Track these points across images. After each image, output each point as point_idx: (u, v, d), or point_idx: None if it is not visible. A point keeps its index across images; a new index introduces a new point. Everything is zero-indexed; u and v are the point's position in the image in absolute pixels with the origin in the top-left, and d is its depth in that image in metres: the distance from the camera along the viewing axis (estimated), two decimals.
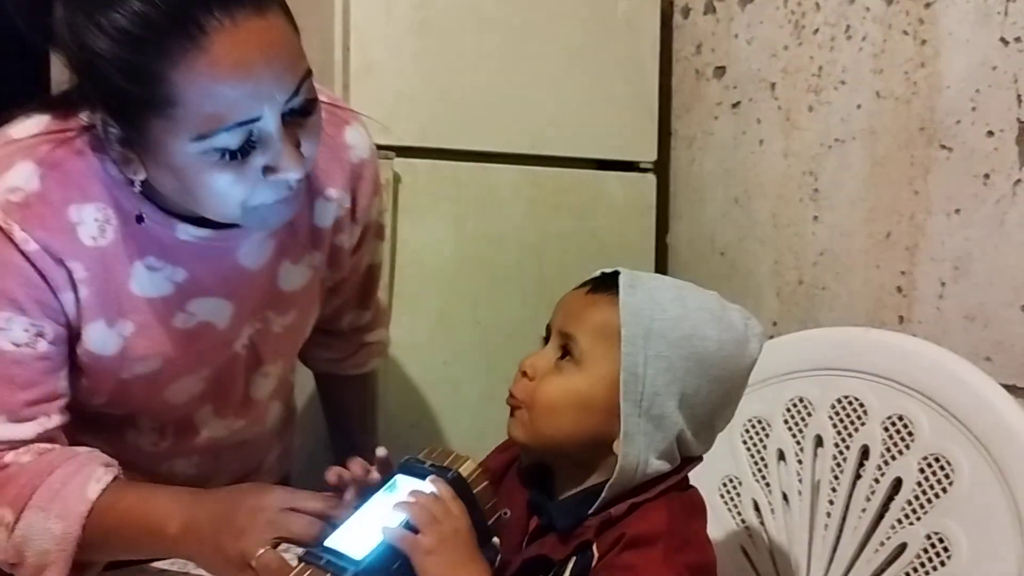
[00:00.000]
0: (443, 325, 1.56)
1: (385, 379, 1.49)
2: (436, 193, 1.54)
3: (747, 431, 1.22)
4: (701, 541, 0.81)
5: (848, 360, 1.15)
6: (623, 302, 0.80)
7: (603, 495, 0.79)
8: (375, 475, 0.82)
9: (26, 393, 0.88)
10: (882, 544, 1.06)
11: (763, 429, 1.21)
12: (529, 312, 1.62)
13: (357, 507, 0.79)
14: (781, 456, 1.18)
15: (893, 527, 1.06)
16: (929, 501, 1.04)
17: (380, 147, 1.45)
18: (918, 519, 1.05)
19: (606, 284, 0.83)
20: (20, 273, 0.86)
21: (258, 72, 0.78)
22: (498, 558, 0.82)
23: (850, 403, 1.14)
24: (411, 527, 0.74)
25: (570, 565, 0.79)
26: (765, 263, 1.69)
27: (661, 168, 1.83)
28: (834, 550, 1.10)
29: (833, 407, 1.15)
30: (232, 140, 0.79)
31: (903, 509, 1.06)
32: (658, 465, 0.79)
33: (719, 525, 1.19)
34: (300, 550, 0.78)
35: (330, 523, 0.79)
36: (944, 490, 1.03)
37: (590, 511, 0.79)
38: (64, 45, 0.80)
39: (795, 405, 1.19)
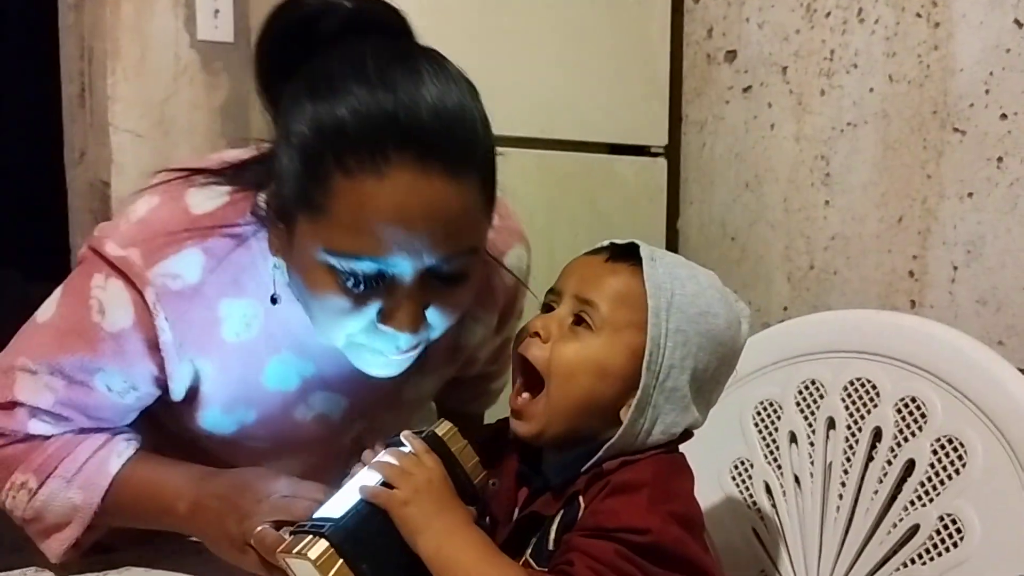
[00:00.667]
0: None
1: None
2: None
3: (758, 414, 1.22)
4: (687, 495, 0.81)
5: (860, 342, 1.15)
6: (647, 274, 0.80)
7: (599, 454, 0.79)
8: None
9: (89, 422, 0.89)
10: (894, 526, 1.06)
11: (774, 412, 1.20)
12: (539, 296, 1.62)
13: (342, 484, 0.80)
14: (793, 439, 1.18)
15: (906, 509, 1.06)
16: (942, 483, 1.04)
17: None
18: (931, 501, 1.04)
19: (623, 254, 0.83)
20: (144, 351, 0.86)
21: (415, 227, 0.74)
22: (486, 521, 0.82)
23: (862, 385, 1.13)
24: (387, 485, 0.75)
25: (558, 518, 0.79)
26: (776, 248, 1.69)
27: (672, 152, 1.83)
28: (846, 532, 1.10)
29: (845, 389, 1.15)
30: (361, 270, 0.76)
31: (916, 491, 1.06)
32: (659, 437, 0.80)
33: (730, 508, 1.19)
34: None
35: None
36: (957, 472, 1.03)
37: (583, 468, 0.79)
38: (279, 115, 0.79)
39: (807, 387, 1.18)
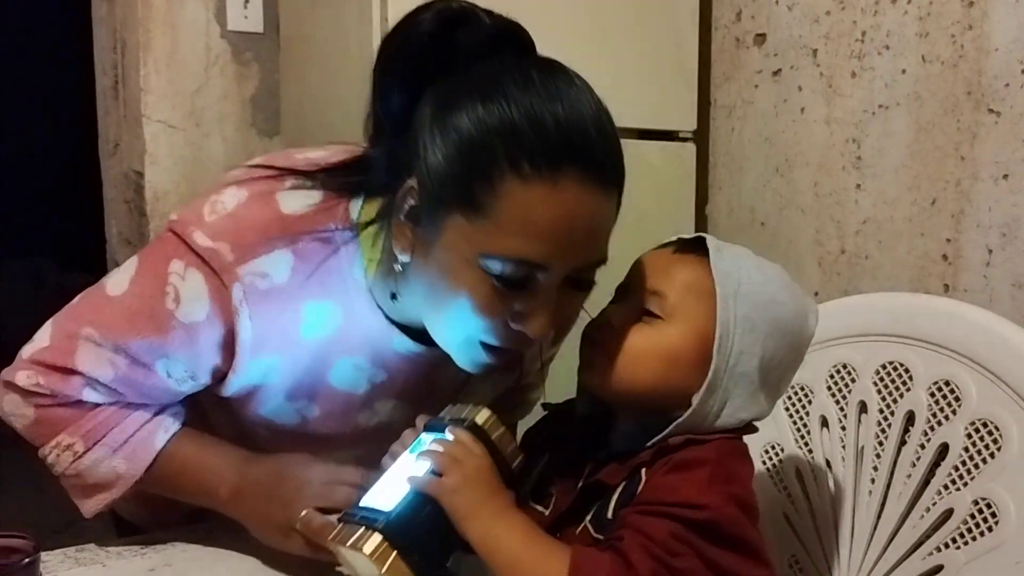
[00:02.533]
0: None
1: None
2: None
3: (789, 398, 1.21)
4: (746, 480, 0.82)
5: (893, 326, 1.14)
6: (714, 263, 0.83)
7: (667, 430, 0.81)
8: None
9: (139, 399, 0.92)
10: (928, 510, 1.05)
11: (806, 396, 1.20)
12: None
13: (386, 471, 0.82)
14: (824, 423, 1.17)
15: (939, 493, 1.05)
16: (976, 467, 1.03)
17: None
18: (965, 485, 1.03)
19: (690, 246, 0.86)
20: (214, 346, 0.87)
21: (575, 230, 0.77)
22: (529, 504, 0.84)
23: (895, 369, 1.12)
24: (436, 473, 0.77)
25: (619, 489, 0.81)
26: (806, 233, 1.68)
27: (701, 137, 1.82)
28: (878, 517, 1.10)
29: (877, 372, 1.14)
30: (513, 273, 0.77)
31: (950, 475, 1.05)
32: (727, 421, 0.82)
33: (761, 492, 1.17)
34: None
35: (363, 489, 0.82)
36: (992, 455, 1.02)
37: (649, 443, 0.81)
38: (417, 115, 0.80)
39: (838, 371, 1.18)
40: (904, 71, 1.49)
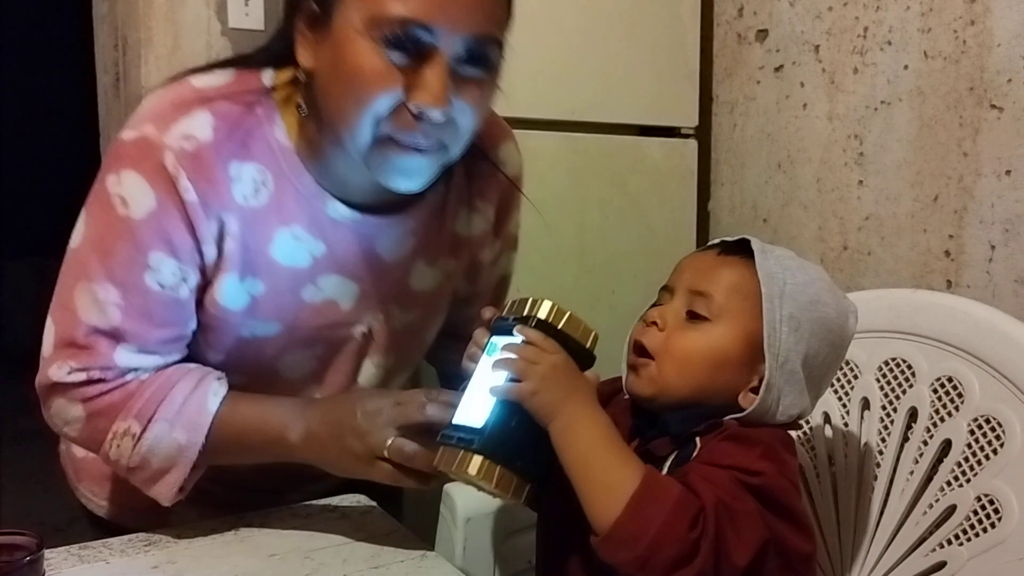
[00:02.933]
0: None
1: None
2: None
3: None
4: (794, 468, 0.84)
5: (895, 322, 1.14)
6: (759, 264, 0.85)
7: (727, 417, 0.83)
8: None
9: (160, 331, 0.92)
10: (931, 506, 1.05)
11: None
12: (570, 278, 1.62)
13: (468, 380, 0.85)
14: (827, 419, 1.17)
15: (942, 489, 1.05)
16: (979, 463, 1.03)
17: None
18: (968, 481, 1.03)
19: (734, 249, 0.88)
20: (178, 220, 0.89)
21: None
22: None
23: (897, 365, 1.13)
24: (515, 379, 0.79)
25: (672, 456, 0.83)
26: (809, 229, 1.67)
27: (703, 134, 1.81)
28: (881, 513, 1.10)
29: (880, 369, 1.14)
30: (399, 34, 0.81)
31: (952, 471, 1.05)
32: (781, 419, 0.84)
33: None
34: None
35: (452, 404, 0.85)
36: (995, 451, 1.02)
37: (701, 427, 0.83)
38: None
39: (840, 368, 1.18)
40: (906, 67, 1.49)
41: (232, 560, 0.91)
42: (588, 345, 0.82)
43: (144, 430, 0.90)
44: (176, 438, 0.90)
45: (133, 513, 1.03)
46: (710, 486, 0.75)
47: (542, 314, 0.82)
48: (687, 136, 1.75)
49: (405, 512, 1.17)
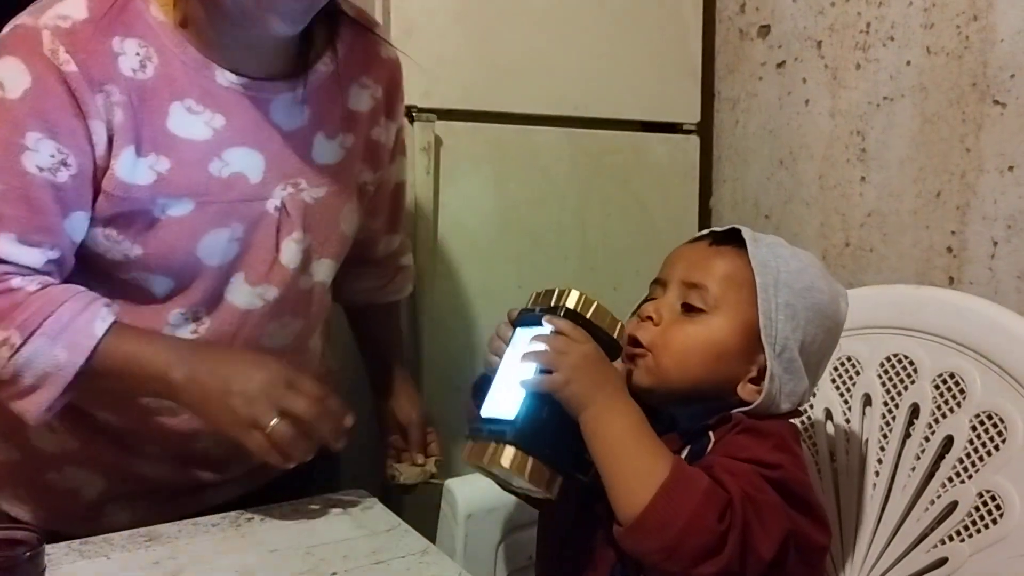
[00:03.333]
0: (485, 288, 1.57)
1: (427, 343, 1.50)
2: (478, 156, 1.54)
3: None
4: (805, 464, 0.85)
5: (898, 318, 1.14)
6: (752, 254, 0.85)
7: (735, 411, 0.83)
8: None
9: (38, 218, 0.90)
10: (932, 503, 1.05)
11: None
12: (571, 275, 1.62)
13: (495, 372, 0.85)
14: (828, 415, 1.17)
15: (944, 485, 1.05)
16: (981, 459, 1.03)
17: (421, 110, 1.46)
18: (969, 477, 1.03)
19: (725, 239, 0.88)
20: (57, 95, 0.88)
21: None
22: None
23: (899, 361, 1.12)
24: (545, 371, 0.79)
25: (685, 451, 0.83)
26: (811, 225, 1.67)
27: (704, 130, 1.81)
28: (883, 509, 1.10)
29: (882, 365, 1.14)
30: None
31: (954, 467, 1.05)
32: (785, 407, 0.85)
33: None
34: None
35: (482, 394, 0.85)
36: (997, 448, 1.02)
37: (710, 422, 0.83)
38: None
39: (842, 364, 1.18)
40: (909, 63, 1.48)
41: (233, 556, 0.91)
42: (616, 335, 0.82)
43: (24, 343, 0.88)
44: (56, 355, 0.88)
45: (64, 518, 1.04)
46: (734, 479, 0.74)
47: (571, 303, 0.82)
48: (689, 132, 1.74)
49: (405, 508, 1.17)
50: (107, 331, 0.91)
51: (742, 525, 0.72)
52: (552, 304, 0.83)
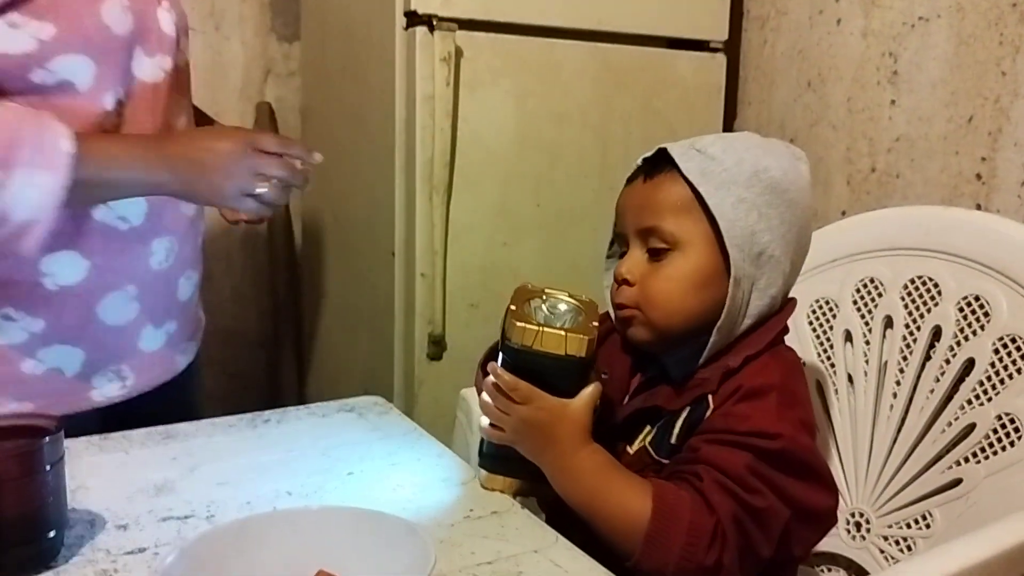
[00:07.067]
0: (503, 206, 1.55)
1: (445, 259, 1.49)
2: (498, 68, 1.51)
3: (813, 312, 1.20)
4: (807, 400, 0.84)
5: (923, 239, 1.11)
6: (685, 169, 0.81)
7: (711, 339, 0.81)
8: None
9: None
10: (949, 424, 1.05)
11: (830, 310, 1.18)
12: (590, 195, 1.60)
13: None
14: (848, 337, 1.16)
15: (962, 408, 1.04)
16: (1002, 382, 1.02)
17: (441, 19, 1.42)
18: (989, 400, 1.02)
19: (654, 166, 0.84)
20: None
21: None
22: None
23: (923, 283, 1.11)
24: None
25: (684, 415, 0.82)
26: (837, 149, 1.64)
27: (732, 49, 1.76)
28: (898, 431, 1.09)
29: (905, 287, 1.12)
30: None
31: (974, 390, 1.04)
32: (759, 306, 0.82)
33: None
34: None
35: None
36: (1019, 370, 1.00)
37: (700, 361, 0.83)
38: None
39: (865, 286, 1.16)
40: None
41: (250, 455, 0.92)
42: (578, 353, 0.77)
43: (7, 178, 0.86)
44: (40, 182, 0.87)
45: (55, 401, 1.02)
46: (723, 492, 0.74)
47: (515, 342, 0.77)
48: (716, 51, 1.70)
49: (419, 415, 1.18)
50: (74, 141, 0.89)
51: (735, 544, 0.73)
52: (503, 330, 0.79)
